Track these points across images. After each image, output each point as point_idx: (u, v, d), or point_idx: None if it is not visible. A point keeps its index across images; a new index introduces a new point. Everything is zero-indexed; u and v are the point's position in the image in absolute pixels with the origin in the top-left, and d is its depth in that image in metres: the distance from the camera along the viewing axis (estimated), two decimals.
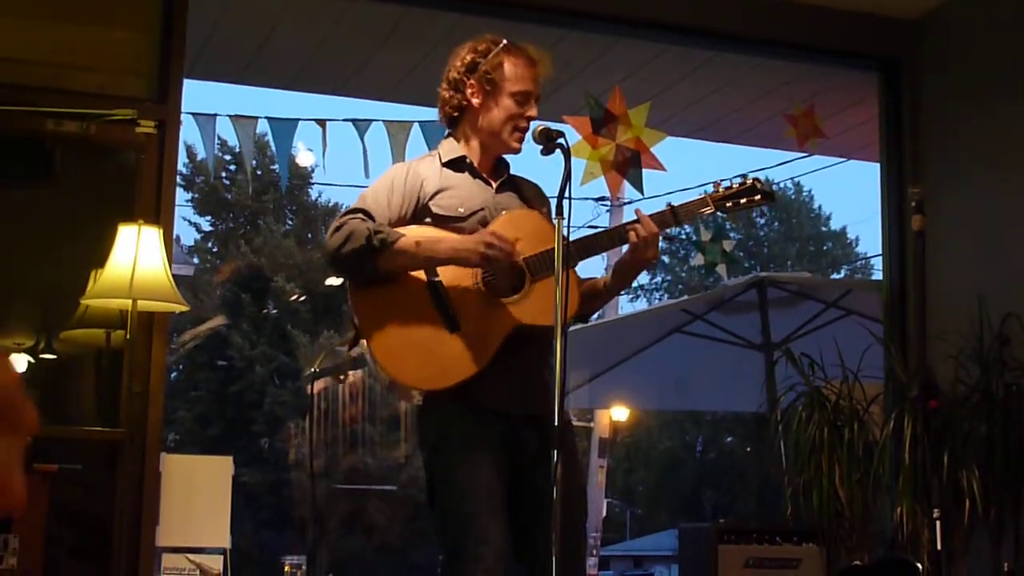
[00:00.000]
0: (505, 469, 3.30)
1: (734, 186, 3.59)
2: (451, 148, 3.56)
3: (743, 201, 3.58)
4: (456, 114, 3.59)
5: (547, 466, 3.00)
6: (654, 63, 6.45)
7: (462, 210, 3.41)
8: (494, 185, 3.52)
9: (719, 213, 3.61)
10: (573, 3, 5.69)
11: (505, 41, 3.54)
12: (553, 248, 3.15)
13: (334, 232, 3.29)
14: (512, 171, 3.61)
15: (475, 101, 3.52)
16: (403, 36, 6.17)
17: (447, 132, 3.65)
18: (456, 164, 3.51)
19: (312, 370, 21.82)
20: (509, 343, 3.29)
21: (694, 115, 7.25)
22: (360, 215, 3.34)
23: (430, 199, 3.42)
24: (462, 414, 3.32)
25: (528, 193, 3.58)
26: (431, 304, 3.31)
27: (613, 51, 6.28)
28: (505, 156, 3.58)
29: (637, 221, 3.43)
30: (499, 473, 3.28)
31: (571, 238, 3.31)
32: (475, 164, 3.52)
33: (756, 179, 3.61)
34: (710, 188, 3.62)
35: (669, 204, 3.50)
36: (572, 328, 3.57)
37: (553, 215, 3.14)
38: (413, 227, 3.38)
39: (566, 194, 3.10)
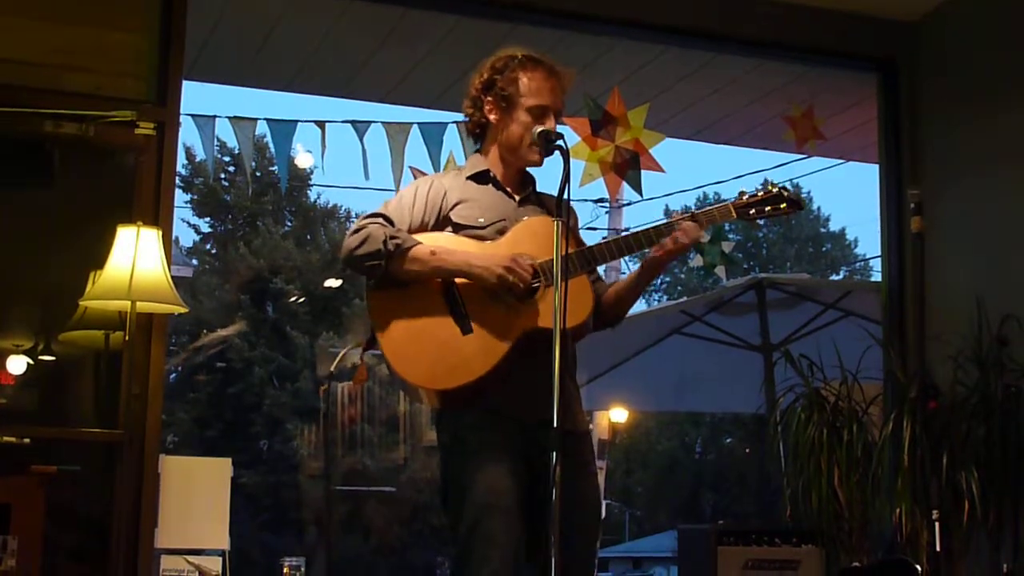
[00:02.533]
0: (521, 473, 3.32)
1: (759, 194, 3.53)
2: (476, 163, 3.61)
3: (768, 209, 3.52)
4: (479, 131, 3.63)
5: (564, 473, 3.01)
6: (653, 65, 6.46)
7: (482, 220, 3.46)
8: (517, 198, 3.56)
9: (742, 221, 3.56)
10: (571, 5, 5.69)
11: (521, 55, 3.56)
12: (567, 255, 3.18)
13: (353, 233, 3.37)
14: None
15: (492, 118, 3.56)
16: (402, 37, 6.17)
17: (475, 148, 3.69)
18: (480, 177, 3.56)
19: (330, 371, 21.82)
20: (523, 347, 3.31)
21: (693, 117, 7.25)
22: (380, 219, 3.40)
23: (451, 209, 3.48)
24: (478, 418, 3.36)
25: (550, 204, 3.57)
26: (444, 306, 3.36)
27: (612, 53, 6.28)
28: (530, 170, 3.61)
29: (664, 227, 3.42)
30: (513, 477, 3.31)
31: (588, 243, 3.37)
32: (499, 177, 3.56)
33: (783, 188, 3.54)
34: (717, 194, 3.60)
35: (692, 211, 3.48)
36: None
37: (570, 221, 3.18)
38: (434, 234, 3.44)
39: (565, 195, 3.11)
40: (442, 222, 3.48)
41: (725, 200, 3.59)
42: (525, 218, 3.47)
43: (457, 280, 3.36)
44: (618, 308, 3.60)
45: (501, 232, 3.45)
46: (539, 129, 3.40)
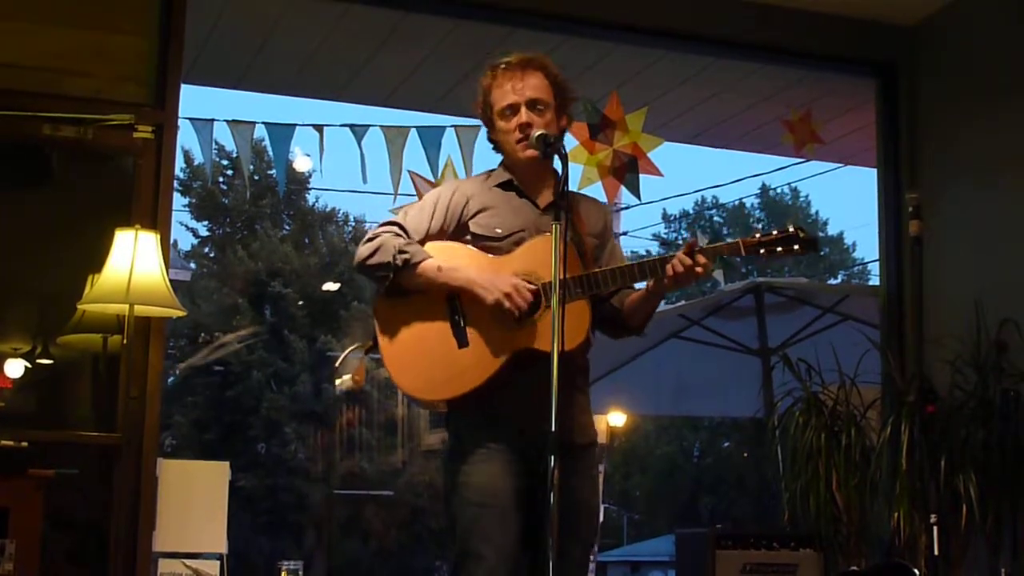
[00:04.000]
0: (520, 474, 3.35)
1: (773, 233, 3.44)
2: (501, 173, 3.61)
3: (779, 249, 3.43)
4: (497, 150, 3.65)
5: (564, 487, 3.04)
6: (651, 69, 6.46)
7: (499, 231, 3.48)
8: (541, 206, 3.54)
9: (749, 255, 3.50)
10: (570, 9, 5.69)
11: (489, 66, 3.59)
12: (572, 278, 3.27)
13: (366, 242, 3.45)
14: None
15: (494, 137, 3.60)
16: (400, 41, 6.17)
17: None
18: (505, 185, 3.58)
19: (335, 367, 21.83)
20: (516, 365, 3.33)
21: (691, 120, 7.25)
22: (395, 228, 3.47)
23: (472, 217, 3.51)
24: (479, 423, 3.41)
25: (582, 211, 3.58)
26: (446, 318, 3.41)
27: (610, 57, 6.28)
28: (559, 175, 3.49)
29: (671, 258, 3.38)
30: (511, 477, 3.35)
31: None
32: (522, 185, 3.56)
33: (799, 228, 3.45)
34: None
35: (699, 246, 3.40)
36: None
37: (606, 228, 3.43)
38: (449, 244, 3.47)
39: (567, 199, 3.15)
40: (461, 229, 3.51)
41: (736, 240, 3.51)
42: (544, 234, 3.42)
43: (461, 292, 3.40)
44: (633, 320, 3.60)
45: (519, 243, 3.46)
46: (537, 133, 3.40)
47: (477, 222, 3.50)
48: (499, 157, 3.64)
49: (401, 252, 3.38)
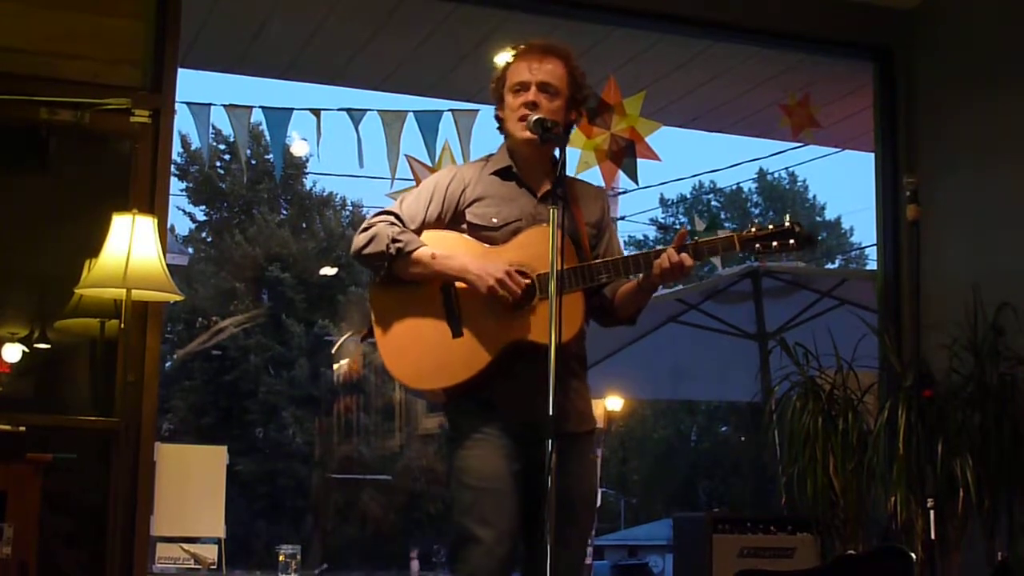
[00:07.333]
0: (517, 461, 3.36)
1: (769, 228, 3.42)
2: (501, 158, 3.59)
3: (775, 244, 3.40)
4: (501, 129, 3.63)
5: (561, 474, 3.06)
6: (649, 52, 6.45)
7: (495, 220, 3.47)
8: (539, 194, 3.51)
9: (745, 252, 3.48)
10: None
11: (513, 47, 3.60)
12: (568, 269, 3.28)
13: (362, 231, 3.46)
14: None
15: (500, 114, 3.58)
16: (398, 25, 6.16)
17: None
18: (503, 173, 3.55)
19: (332, 353, 21.86)
20: (512, 355, 3.34)
21: (689, 104, 7.24)
22: (391, 218, 3.47)
23: (468, 206, 3.50)
24: (475, 409, 3.41)
25: (580, 200, 3.56)
26: (441, 308, 3.41)
27: (608, 40, 6.27)
28: (559, 163, 3.42)
29: (663, 250, 3.37)
30: (506, 461, 3.36)
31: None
32: (519, 171, 3.54)
33: (796, 223, 3.41)
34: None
35: (695, 239, 3.40)
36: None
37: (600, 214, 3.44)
38: (445, 233, 3.47)
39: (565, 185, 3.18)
40: (458, 217, 3.50)
41: (732, 233, 3.49)
42: (538, 225, 3.42)
43: (457, 283, 3.40)
44: (624, 311, 3.59)
45: (515, 233, 3.44)
46: (535, 117, 3.39)
47: (473, 211, 3.49)
48: (497, 141, 3.63)
49: (395, 241, 3.38)
